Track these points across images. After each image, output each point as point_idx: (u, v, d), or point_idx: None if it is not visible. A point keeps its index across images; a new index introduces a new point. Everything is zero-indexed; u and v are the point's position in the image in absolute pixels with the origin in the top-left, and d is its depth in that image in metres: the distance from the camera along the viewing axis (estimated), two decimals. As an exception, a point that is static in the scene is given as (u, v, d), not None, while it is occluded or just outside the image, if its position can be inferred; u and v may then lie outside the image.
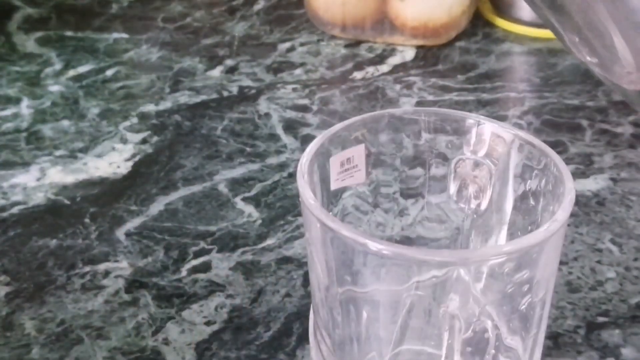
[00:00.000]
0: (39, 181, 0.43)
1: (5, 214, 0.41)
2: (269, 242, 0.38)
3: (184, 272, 0.36)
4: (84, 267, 0.37)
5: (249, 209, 0.41)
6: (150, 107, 0.51)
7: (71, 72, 0.55)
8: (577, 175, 0.43)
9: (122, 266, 0.37)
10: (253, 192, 0.42)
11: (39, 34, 0.61)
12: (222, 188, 0.43)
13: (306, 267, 0.36)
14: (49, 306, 0.34)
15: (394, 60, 0.58)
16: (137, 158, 0.45)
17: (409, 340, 0.28)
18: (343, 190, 0.28)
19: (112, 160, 0.45)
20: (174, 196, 0.42)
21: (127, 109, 0.51)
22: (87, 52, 0.58)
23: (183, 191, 0.42)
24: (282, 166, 0.45)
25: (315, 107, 0.51)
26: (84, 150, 0.46)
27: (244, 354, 0.32)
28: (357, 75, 0.56)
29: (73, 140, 0.47)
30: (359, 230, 0.22)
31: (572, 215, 0.24)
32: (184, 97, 0.52)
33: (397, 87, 0.54)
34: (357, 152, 0.27)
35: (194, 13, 0.65)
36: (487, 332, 0.26)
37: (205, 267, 0.37)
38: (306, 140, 0.47)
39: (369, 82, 0.54)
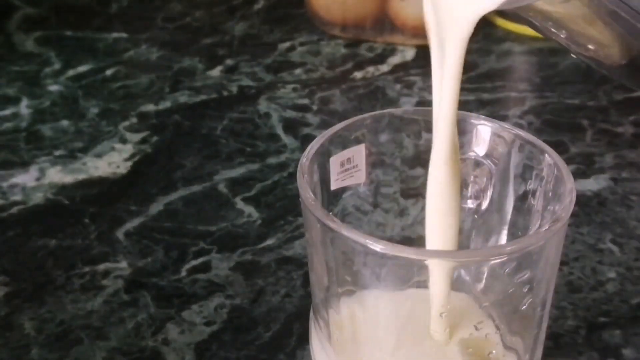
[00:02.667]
0: (38, 181, 0.43)
1: (4, 214, 0.40)
2: (269, 242, 0.38)
3: (183, 273, 0.36)
4: (83, 267, 0.37)
5: (249, 209, 0.41)
6: (149, 107, 0.51)
7: (70, 72, 0.55)
8: (577, 175, 0.43)
9: (122, 266, 0.37)
10: (253, 192, 0.42)
11: (39, 33, 0.61)
12: (222, 188, 0.43)
13: (306, 267, 0.36)
14: (49, 306, 0.34)
15: (395, 59, 0.57)
16: (136, 158, 0.45)
17: (409, 341, 0.28)
18: (343, 190, 0.28)
19: (112, 160, 0.45)
20: (173, 196, 0.42)
21: (126, 109, 0.50)
22: (87, 51, 0.58)
23: (183, 191, 0.42)
24: (282, 166, 0.44)
25: (315, 107, 0.51)
26: (84, 150, 0.46)
27: (243, 355, 0.32)
28: (358, 74, 0.55)
29: (72, 140, 0.47)
30: (359, 230, 0.22)
31: (573, 215, 0.24)
32: (183, 97, 0.52)
33: (398, 86, 0.54)
34: (358, 152, 0.27)
35: (194, 12, 0.65)
36: (487, 333, 0.26)
37: (205, 268, 0.37)
38: (306, 140, 0.46)
39: (369, 82, 0.54)
